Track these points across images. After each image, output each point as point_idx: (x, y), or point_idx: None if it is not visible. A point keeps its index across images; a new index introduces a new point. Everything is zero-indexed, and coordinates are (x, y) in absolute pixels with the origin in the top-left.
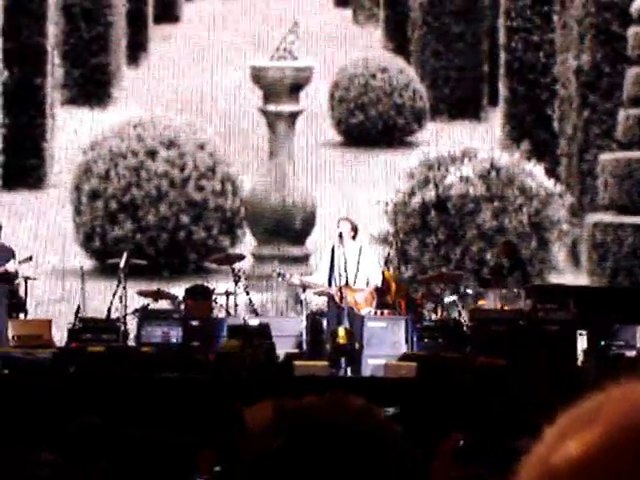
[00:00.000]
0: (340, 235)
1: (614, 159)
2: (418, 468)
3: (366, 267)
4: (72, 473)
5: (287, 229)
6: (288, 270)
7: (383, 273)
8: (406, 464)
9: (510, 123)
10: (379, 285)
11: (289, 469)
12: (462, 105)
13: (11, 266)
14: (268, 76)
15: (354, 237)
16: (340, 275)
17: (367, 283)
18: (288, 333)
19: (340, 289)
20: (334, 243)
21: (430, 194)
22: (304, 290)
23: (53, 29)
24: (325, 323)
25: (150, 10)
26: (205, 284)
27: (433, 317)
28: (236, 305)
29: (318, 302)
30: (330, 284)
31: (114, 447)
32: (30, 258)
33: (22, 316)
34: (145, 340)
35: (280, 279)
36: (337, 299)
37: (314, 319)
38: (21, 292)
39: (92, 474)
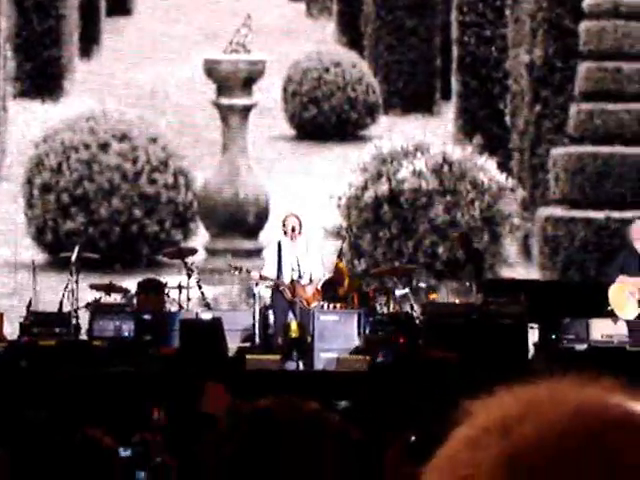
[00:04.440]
0: (293, 230)
1: (566, 153)
2: (372, 469)
3: (312, 262)
4: (18, 469)
5: (240, 223)
6: (241, 264)
7: (337, 265)
8: (358, 468)
9: (462, 117)
10: (327, 279)
11: (242, 473)
12: (415, 99)
13: None
14: (221, 69)
15: (300, 233)
16: (293, 270)
17: (310, 279)
18: (240, 327)
19: (292, 282)
20: (280, 239)
21: (383, 188)
22: (257, 284)
23: (5, 22)
24: (272, 317)
25: (102, 3)
26: (157, 278)
27: (385, 310)
28: (189, 299)
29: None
30: (278, 278)
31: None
32: None
33: None
34: (97, 334)
35: (236, 272)
36: (289, 293)
37: (266, 313)
38: None
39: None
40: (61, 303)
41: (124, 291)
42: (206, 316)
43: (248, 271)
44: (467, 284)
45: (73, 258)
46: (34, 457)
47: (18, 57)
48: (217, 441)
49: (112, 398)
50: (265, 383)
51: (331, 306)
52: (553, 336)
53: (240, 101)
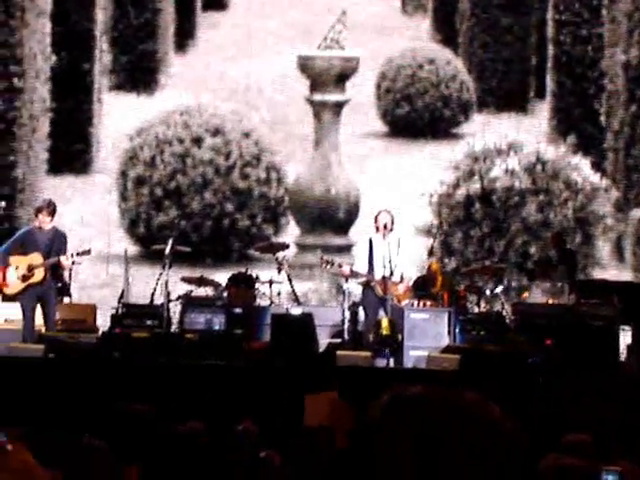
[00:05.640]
0: (385, 226)
1: None
2: (529, 463)
3: (403, 260)
4: (114, 457)
5: (331, 219)
6: (332, 259)
7: (431, 264)
8: (517, 458)
9: (557, 116)
10: (419, 276)
11: (401, 458)
12: (509, 97)
13: (68, 261)
14: (315, 65)
15: (392, 229)
16: (385, 267)
17: (401, 276)
18: (329, 323)
19: (383, 279)
20: (371, 235)
21: (475, 186)
22: (347, 280)
23: (102, 15)
24: (361, 313)
25: None
26: (248, 272)
27: (476, 310)
28: (279, 293)
29: (360, 292)
30: (370, 275)
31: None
32: (89, 251)
33: (66, 300)
34: (188, 327)
35: (328, 266)
36: (380, 290)
37: (355, 309)
38: (65, 275)
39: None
40: (152, 295)
41: (215, 285)
42: (296, 311)
43: (340, 265)
44: (559, 285)
45: (167, 251)
46: (133, 448)
47: (114, 50)
48: (375, 426)
49: (204, 391)
50: (355, 379)
51: (421, 304)
52: None
53: (333, 97)
